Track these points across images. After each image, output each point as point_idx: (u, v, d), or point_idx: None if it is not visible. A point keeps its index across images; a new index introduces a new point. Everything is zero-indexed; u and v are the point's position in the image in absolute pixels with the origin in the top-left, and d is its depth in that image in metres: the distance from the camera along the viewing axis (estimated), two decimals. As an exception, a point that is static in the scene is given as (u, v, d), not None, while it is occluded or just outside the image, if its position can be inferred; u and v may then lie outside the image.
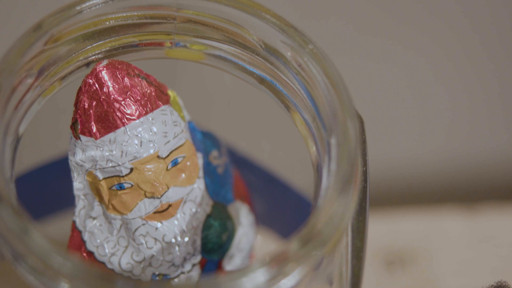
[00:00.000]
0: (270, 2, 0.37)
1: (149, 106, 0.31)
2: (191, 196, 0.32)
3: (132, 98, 0.31)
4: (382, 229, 0.48)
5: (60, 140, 0.33)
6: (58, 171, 0.35)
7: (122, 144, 0.31)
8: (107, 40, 0.31)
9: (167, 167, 0.31)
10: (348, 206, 0.28)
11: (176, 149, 0.31)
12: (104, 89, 0.31)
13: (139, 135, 0.31)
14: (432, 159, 0.53)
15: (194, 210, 0.32)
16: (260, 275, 0.26)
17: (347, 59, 0.49)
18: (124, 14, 0.31)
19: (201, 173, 0.32)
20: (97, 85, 0.30)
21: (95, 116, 0.31)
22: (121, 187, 0.31)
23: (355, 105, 0.30)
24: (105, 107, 0.30)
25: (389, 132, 0.53)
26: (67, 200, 0.34)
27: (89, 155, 0.31)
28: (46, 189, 0.37)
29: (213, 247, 0.32)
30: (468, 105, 0.53)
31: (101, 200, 0.31)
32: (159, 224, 0.31)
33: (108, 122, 0.31)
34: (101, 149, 0.31)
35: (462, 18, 0.50)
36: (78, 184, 0.31)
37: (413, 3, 0.50)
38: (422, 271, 0.48)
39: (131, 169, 0.31)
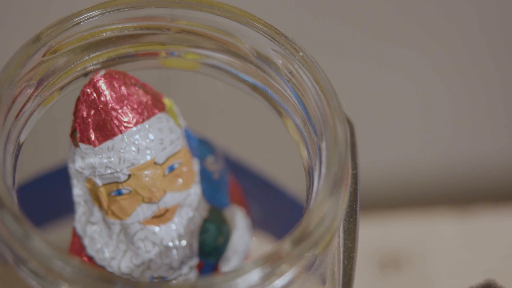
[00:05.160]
0: (271, 3, 0.37)
1: (146, 114, 0.32)
2: (187, 200, 0.33)
3: (129, 106, 0.32)
4: (376, 231, 0.49)
5: (59, 149, 0.34)
6: (57, 179, 0.36)
7: (120, 151, 0.31)
8: (104, 51, 0.32)
9: (164, 173, 0.32)
10: (339, 208, 0.29)
11: (172, 155, 0.32)
12: (102, 98, 0.31)
13: (136, 142, 0.32)
14: (426, 162, 0.54)
15: (191, 214, 0.33)
16: (254, 275, 0.27)
17: (348, 61, 0.50)
18: (120, 26, 0.31)
19: (197, 179, 0.33)
20: (95, 95, 0.31)
21: (94, 124, 0.31)
22: (119, 193, 0.32)
23: (352, 109, 0.30)
24: (103, 116, 0.31)
25: (383, 136, 0.53)
26: (66, 208, 0.34)
27: (88, 162, 0.32)
28: (46, 197, 0.38)
29: (209, 250, 0.33)
30: (464, 109, 0.53)
31: (100, 206, 0.32)
32: (157, 229, 0.32)
33: (106, 130, 0.31)
34: (100, 156, 0.31)
35: (465, 19, 0.51)
36: (78, 191, 0.32)
37: (415, 4, 0.50)
38: (416, 273, 0.48)
39: (129, 176, 0.32)
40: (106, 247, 0.32)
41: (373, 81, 0.52)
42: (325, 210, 0.28)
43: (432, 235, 0.49)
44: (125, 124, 0.31)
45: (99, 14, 0.31)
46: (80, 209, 0.32)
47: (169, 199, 0.32)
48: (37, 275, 0.27)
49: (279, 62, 0.31)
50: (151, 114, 0.32)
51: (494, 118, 0.54)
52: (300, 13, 0.49)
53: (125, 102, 0.32)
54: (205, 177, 0.34)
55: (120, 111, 0.31)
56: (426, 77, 0.52)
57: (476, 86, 0.53)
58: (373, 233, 0.49)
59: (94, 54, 0.32)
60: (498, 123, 0.54)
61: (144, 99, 0.32)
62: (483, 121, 0.54)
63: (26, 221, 0.27)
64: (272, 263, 0.27)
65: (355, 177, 0.31)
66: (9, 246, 0.27)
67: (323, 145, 0.29)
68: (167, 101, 0.33)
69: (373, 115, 0.52)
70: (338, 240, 0.30)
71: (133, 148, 0.32)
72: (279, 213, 0.39)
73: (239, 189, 0.37)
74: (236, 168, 0.38)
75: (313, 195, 0.29)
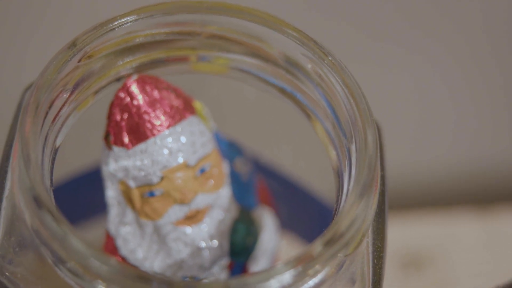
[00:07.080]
0: (278, 6, 0.38)
1: (177, 117, 0.33)
2: (218, 202, 0.33)
3: (161, 110, 0.32)
4: (397, 232, 0.50)
5: (93, 151, 0.35)
6: (91, 181, 0.37)
7: (152, 154, 0.32)
8: (137, 56, 0.32)
9: (195, 175, 0.33)
10: (369, 209, 0.29)
11: (203, 157, 0.33)
12: (135, 102, 0.32)
13: (168, 145, 0.32)
14: (446, 162, 0.54)
15: (221, 215, 0.34)
16: (287, 276, 0.28)
17: (353, 64, 0.51)
18: (153, 31, 0.32)
19: (227, 180, 0.34)
20: (128, 99, 0.32)
21: (127, 127, 0.32)
22: (152, 194, 0.33)
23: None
24: (136, 119, 0.32)
25: (403, 137, 0.54)
26: (99, 209, 0.35)
27: (122, 164, 0.32)
28: (80, 198, 0.39)
29: (239, 250, 0.34)
30: (479, 107, 0.54)
31: (133, 207, 0.33)
32: (188, 229, 0.33)
33: (139, 133, 0.32)
34: (133, 159, 0.32)
35: (469, 23, 0.51)
36: (112, 193, 0.33)
37: (420, 8, 0.50)
38: (437, 273, 0.49)
39: (162, 178, 0.32)
40: (139, 248, 0.33)
41: (387, 85, 0.52)
42: (356, 212, 0.28)
43: (453, 235, 0.50)
44: (158, 128, 0.32)
45: (133, 20, 0.31)
46: (114, 211, 0.33)
47: (201, 201, 0.33)
48: (75, 274, 0.28)
49: (308, 66, 0.32)
50: (182, 118, 0.33)
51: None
52: (309, 18, 0.50)
53: (158, 105, 0.32)
54: (235, 179, 0.35)
55: (152, 114, 0.32)
56: (439, 78, 0.53)
57: (495, 83, 0.53)
58: (394, 233, 0.49)
59: (128, 59, 0.32)
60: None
61: (176, 103, 0.33)
62: (504, 120, 0.54)
63: (65, 221, 0.28)
64: (304, 264, 0.28)
65: (382, 178, 0.31)
66: (48, 246, 0.28)
67: (353, 147, 0.30)
68: (197, 104, 0.34)
69: (390, 116, 0.53)
70: (367, 240, 0.30)
71: (166, 151, 0.32)
72: (306, 214, 0.39)
73: (267, 191, 0.37)
74: (264, 170, 0.38)
75: (343, 196, 0.30)
